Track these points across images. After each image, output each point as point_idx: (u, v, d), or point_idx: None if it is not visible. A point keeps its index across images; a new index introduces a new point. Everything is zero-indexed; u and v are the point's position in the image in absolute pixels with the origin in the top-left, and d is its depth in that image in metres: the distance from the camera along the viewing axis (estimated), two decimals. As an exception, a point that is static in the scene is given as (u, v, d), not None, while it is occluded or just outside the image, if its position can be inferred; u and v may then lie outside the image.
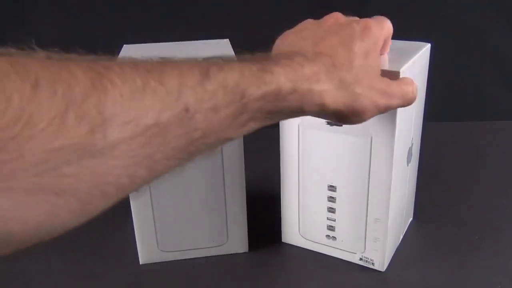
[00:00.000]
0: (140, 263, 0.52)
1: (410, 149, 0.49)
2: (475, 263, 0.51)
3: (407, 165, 0.49)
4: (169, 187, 0.49)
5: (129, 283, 0.50)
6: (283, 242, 0.55)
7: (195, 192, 0.49)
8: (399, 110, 0.42)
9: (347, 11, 0.40)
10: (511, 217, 0.59)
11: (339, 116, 0.34)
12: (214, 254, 0.53)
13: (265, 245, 0.54)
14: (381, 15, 0.40)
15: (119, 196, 0.25)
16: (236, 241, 0.53)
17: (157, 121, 0.24)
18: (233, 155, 0.48)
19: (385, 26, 0.39)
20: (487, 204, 0.61)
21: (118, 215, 0.55)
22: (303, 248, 0.54)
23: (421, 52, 0.46)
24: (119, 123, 0.23)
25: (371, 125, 0.44)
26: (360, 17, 0.39)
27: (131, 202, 0.49)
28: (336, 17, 0.39)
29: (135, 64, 0.25)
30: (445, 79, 0.50)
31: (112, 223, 0.58)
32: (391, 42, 0.42)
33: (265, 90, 0.29)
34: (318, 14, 0.40)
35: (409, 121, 0.47)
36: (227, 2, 0.80)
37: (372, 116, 0.36)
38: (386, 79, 0.37)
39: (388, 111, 0.37)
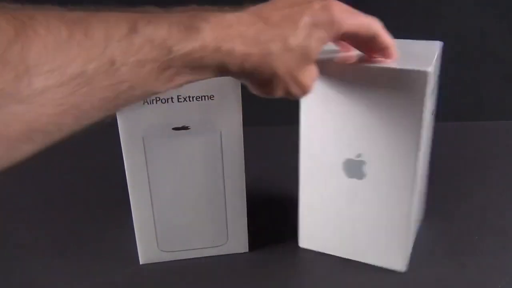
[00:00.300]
0: (140, 263, 0.52)
1: (356, 162, 0.47)
2: (475, 263, 0.51)
3: (348, 177, 0.47)
4: (169, 187, 0.49)
5: (129, 283, 0.50)
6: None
7: (195, 192, 0.49)
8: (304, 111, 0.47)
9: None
10: (511, 217, 0.59)
11: (254, 83, 0.36)
12: (214, 254, 0.53)
13: (266, 245, 0.54)
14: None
15: (45, 143, 0.26)
16: (236, 241, 0.53)
17: (82, 71, 0.25)
18: (233, 155, 0.48)
19: (359, 18, 0.38)
20: (487, 204, 0.61)
21: (118, 215, 0.55)
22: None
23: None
24: (43, 71, 0.23)
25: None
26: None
27: (131, 202, 0.49)
28: None
29: (61, 15, 0.26)
30: (445, 79, 0.50)
31: (112, 223, 0.58)
32: (382, 39, 0.40)
33: (191, 47, 0.30)
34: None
35: (341, 129, 0.46)
36: (227, 2, 0.80)
37: (282, 96, 0.37)
38: (311, 70, 0.37)
39: (297, 98, 0.39)
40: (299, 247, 0.54)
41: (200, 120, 0.46)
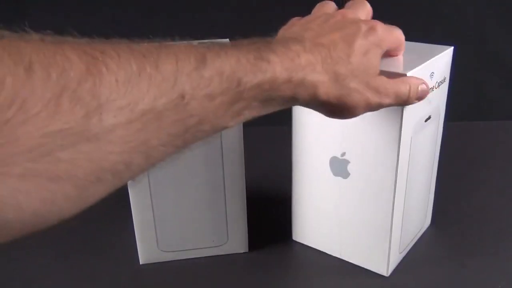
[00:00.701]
0: (140, 263, 0.52)
1: (341, 161, 0.47)
2: (475, 263, 0.51)
3: (334, 175, 0.48)
4: (169, 187, 0.49)
5: (129, 283, 0.50)
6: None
7: (195, 192, 0.49)
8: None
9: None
10: (511, 217, 0.59)
11: (329, 109, 0.35)
12: (214, 254, 0.53)
13: (265, 245, 0.54)
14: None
15: (115, 184, 0.25)
16: (236, 241, 0.53)
17: (152, 107, 0.24)
18: (233, 155, 0.48)
19: (393, 33, 0.39)
20: (487, 204, 0.61)
21: (118, 215, 0.55)
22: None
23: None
24: (114, 108, 0.23)
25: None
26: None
27: (131, 202, 0.49)
28: (344, 14, 0.38)
29: (130, 48, 0.25)
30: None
31: (112, 223, 0.58)
32: (403, 48, 0.42)
33: (261, 79, 0.29)
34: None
35: (328, 128, 0.46)
36: (227, 2, 0.80)
37: (364, 112, 0.36)
38: (383, 78, 0.37)
39: (380, 108, 0.37)
40: (299, 248, 0.54)
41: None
